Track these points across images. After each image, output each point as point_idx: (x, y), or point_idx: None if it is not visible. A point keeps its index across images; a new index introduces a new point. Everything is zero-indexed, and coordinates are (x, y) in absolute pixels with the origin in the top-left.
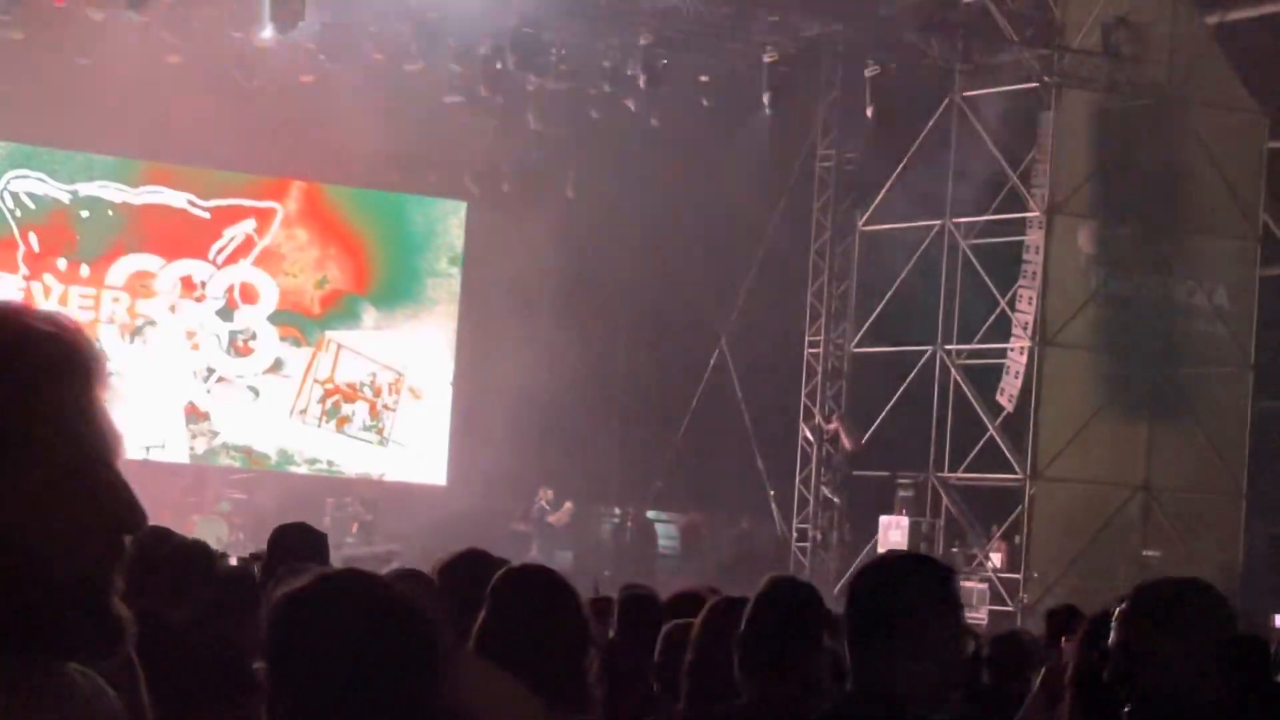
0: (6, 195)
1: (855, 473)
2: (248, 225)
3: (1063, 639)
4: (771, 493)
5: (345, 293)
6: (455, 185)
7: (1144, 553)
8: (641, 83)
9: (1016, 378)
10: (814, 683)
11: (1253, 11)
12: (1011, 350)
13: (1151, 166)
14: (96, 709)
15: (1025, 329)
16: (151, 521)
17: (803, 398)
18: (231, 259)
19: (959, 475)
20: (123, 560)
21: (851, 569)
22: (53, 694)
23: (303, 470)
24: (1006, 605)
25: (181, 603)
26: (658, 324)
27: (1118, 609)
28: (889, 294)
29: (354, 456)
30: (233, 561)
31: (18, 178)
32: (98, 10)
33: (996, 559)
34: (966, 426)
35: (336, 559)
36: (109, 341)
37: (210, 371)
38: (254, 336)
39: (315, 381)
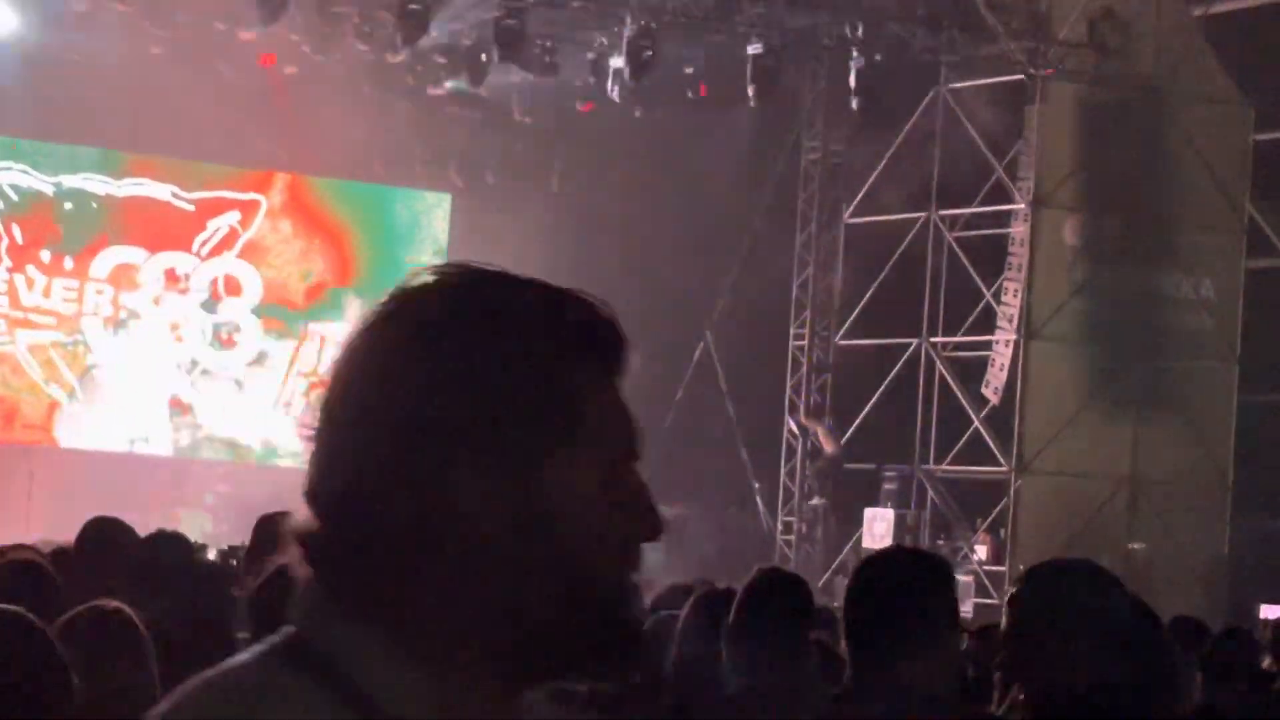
0: None
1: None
2: (232, 217)
3: None
4: (756, 486)
5: (329, 285)
6: (440, 177)
7: (1130, 546)
8: (626, 75)
9: (1002, 370)
10: (803, 674)
11: (1239, 4)
12: (997, 343)
13: (1137, 159)
14: None
15: (1011, 322)
16: (135, 514)
17: (788, 390)
18: (215, 251)
19: (944, 468)
20: (638, 570)
21: (836, 561)
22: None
23: (287, 463)
24: (992, 598)
25: (159, 595)
26: (642, 316)
27: (1009, 594)
28: (874, 286)
29: None
30: (211, 555)
31: (1, 170)
32: (81, 1)
33: (982, 552)
34: (952, 419)
35: None
36: (92, 334)
37: (194, 364)
38: (238, 329)
39: (300, 374)
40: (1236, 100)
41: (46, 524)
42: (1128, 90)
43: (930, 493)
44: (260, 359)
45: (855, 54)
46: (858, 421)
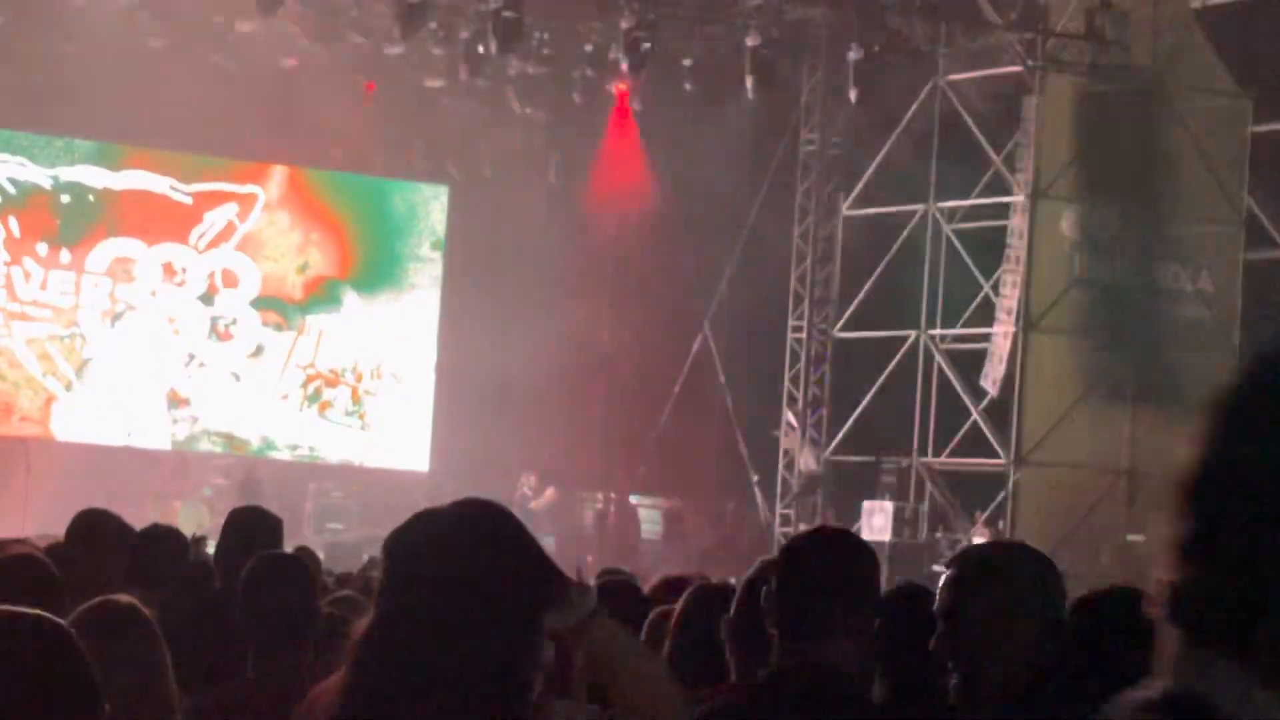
0: None
1: (839, 457)
2: (229, 210)
3: None
4: (755, 477)
5: (327, 278)
6: (437, 169)
7: (1128, 538)
8: (624, 66)
9: (1000, 362)
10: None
11: None
12: (995, 335)
13: (1135, 151)
14: None
15: (1009, 313)
16: (132, 507)
17: (786, 382)
18: (213, 244)
19: (943, 460)
20: None
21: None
22: None
23: (284, 456)
24: None
25: (157, 586)
26: (640, 309)
27: (944, 576)
28: (873, 278)
29: (336, 442)
30: (210, 548)
31: None
32: None
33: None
34: (950, 411)
35: (318, 544)
36: (89, 327)
37: (191, 357)
38: (235, 322)
39: (297, 367)
40: (1234, 92)
41: (43, 517)
42: (1125, 82)
43: (929, 485)
44: (258, 352)
45: (853, 46)
46: (856, 414)
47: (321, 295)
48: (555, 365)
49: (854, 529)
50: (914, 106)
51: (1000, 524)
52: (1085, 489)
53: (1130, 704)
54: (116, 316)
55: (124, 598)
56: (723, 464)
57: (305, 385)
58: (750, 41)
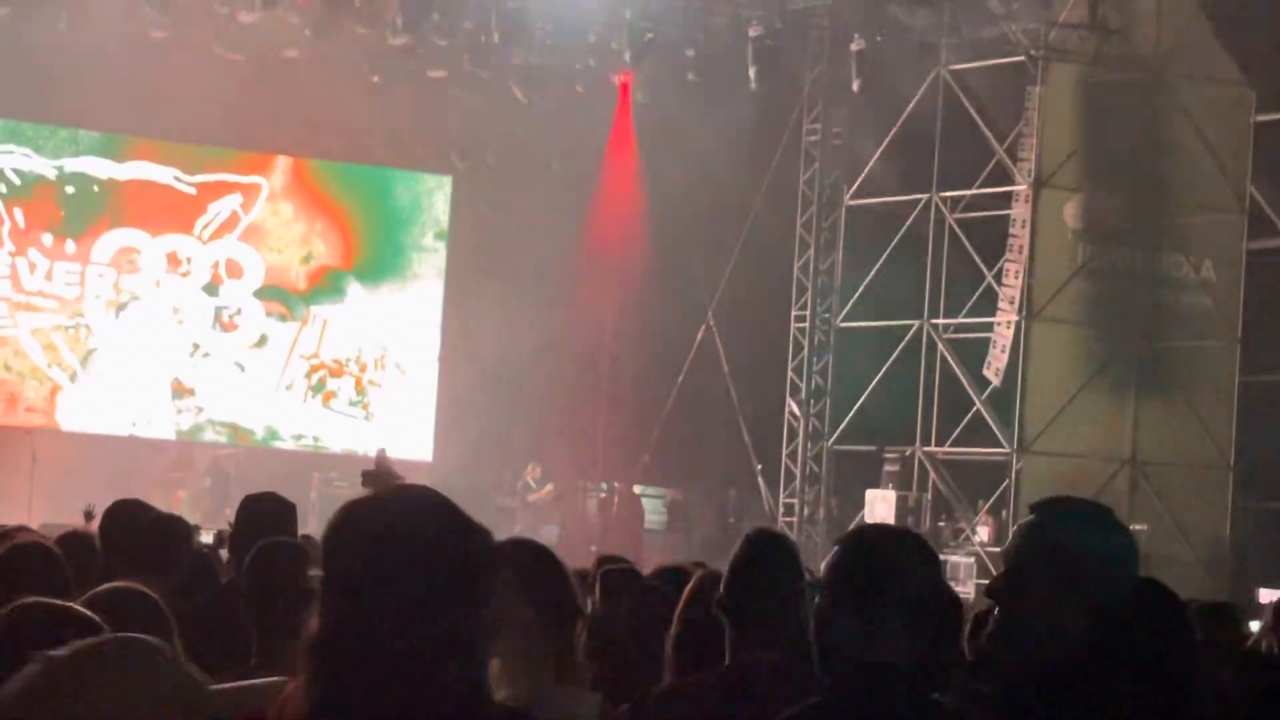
0: None
1: (841, 447)
2: (233, 200)
3: None
4: (759, 467)
5: (330, 268)
6: (440, 160)
7: (1131, 527)
8: (627, 57)
9: (1003, 352)
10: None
11: None
12: (998, 324)
13: (1138, 140)
14: None
15: (1012, 303)
16: (137, 496)
17: (789, 372)
18: (217, 234)
19: (946, 449)
20: None
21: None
22: None
23: (288, 445)
24: None
25: (161, 574)
26: (644, 298)
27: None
28: (875, 268)
29: (339, 432)
30: (203, 537)
31: (2, 153)
32: None
33: (983, 533)
34: (953, 401)
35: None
36: (94, 317)
37: (195, 347)
38: (239, 312)
39: (301, 357)
40: (1237, 81)
41: (49, 506)
42: (1129, 71)
43: (932, 474)
44: (261, 342)
45: (856, 35)
46: (859, 403)
47: (325, 285)
48: (559, 355)
49: (857, 518)
50: (917, 96)
51: (1003, 513)
52: (1088, 478)
53: None
54: (121, 307)
55: (136, 586)
56: (726, 453)
57: (309, 375)
58: (753, 32)
